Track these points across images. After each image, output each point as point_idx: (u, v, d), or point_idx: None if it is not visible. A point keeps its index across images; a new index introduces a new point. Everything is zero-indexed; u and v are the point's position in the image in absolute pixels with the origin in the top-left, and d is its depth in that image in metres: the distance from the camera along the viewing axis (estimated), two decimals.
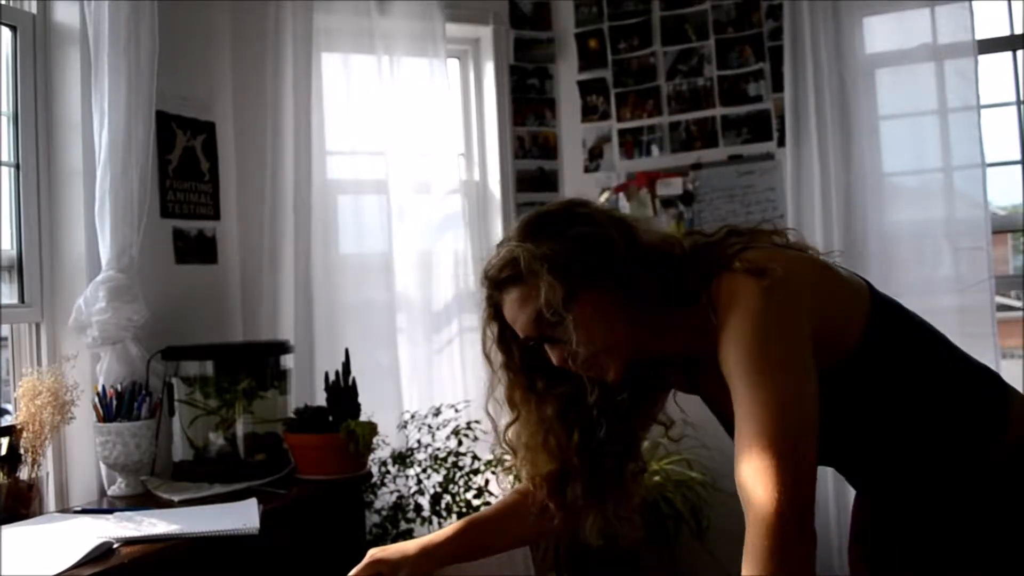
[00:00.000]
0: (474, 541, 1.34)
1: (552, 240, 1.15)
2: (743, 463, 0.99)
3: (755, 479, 0.96)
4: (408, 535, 2.51)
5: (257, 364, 2.31)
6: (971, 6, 2.75)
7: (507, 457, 1.33)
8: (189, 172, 2.54)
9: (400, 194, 2.96)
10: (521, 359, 1.24)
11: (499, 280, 1.18)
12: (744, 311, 1.06)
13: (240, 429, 2.23)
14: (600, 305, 1.13)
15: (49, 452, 2.10)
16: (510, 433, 1.29)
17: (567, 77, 3.38)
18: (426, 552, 1.29)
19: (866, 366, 1.13)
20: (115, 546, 1.61)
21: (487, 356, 1.26)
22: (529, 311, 1.15)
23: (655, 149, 3.26)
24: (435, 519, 2.58)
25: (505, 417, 1.29)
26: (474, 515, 1.40)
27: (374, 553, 1.30)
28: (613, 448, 1.26)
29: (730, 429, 1.26)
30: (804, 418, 1.00)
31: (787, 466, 0.95)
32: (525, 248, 1.15)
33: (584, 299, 1.13)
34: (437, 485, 2.64)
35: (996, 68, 2.86)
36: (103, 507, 2.00)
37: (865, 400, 1.13)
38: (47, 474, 2.13)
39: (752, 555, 0.95)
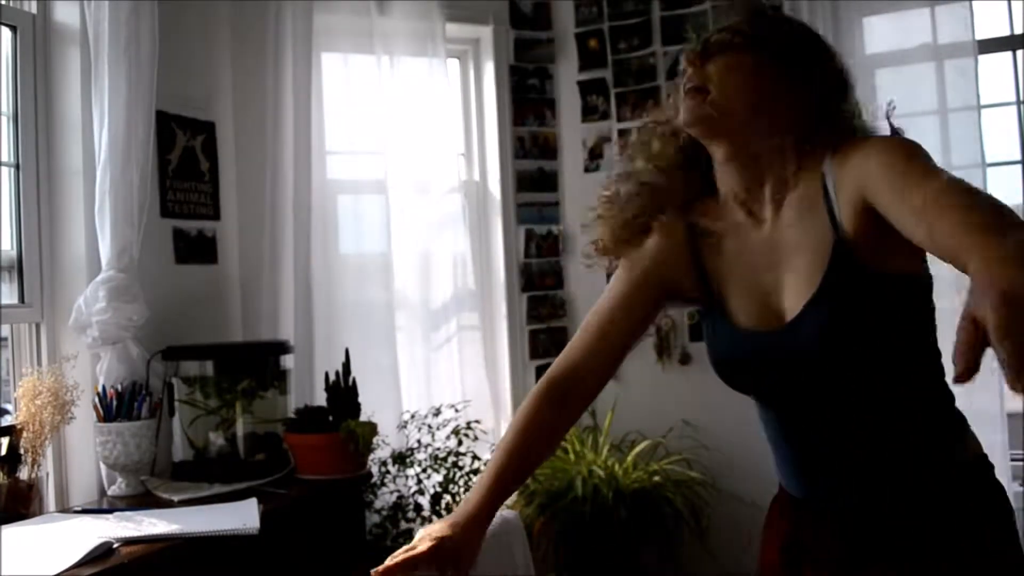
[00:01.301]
0: (506, 488, 1.25)
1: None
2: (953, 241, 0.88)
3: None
4: (408, 535, 2.51)
5: (257, 364, 2.32)
6: (971, 6, 2.74)
7: None
8: (189, 172, 2.54)
9: (400, 194, 2.97)
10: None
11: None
12: (890, 143, 1.08)
13: (240, 429, 2.24)
14: (772, 78, 1.15)
15: (49, 452, 2.10)
16: (616, 190, 1.29)
17: (567, 77, 3.38)
18: (471, 522, 1.17)
19: (920, 294, 1.19)
20: (115, 546, 1.61)
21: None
22: (720, 34, 1.18)
23: None
24: (435, 519, 2.58)
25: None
26: (498, 462, 1.25)
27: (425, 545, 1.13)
28: (613, 334, 1.26)
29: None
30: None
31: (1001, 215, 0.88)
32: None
33: (768, 62, 1.14)
34: (437, 485, 2.64)
35: (996, 68, 2.86)
36: (103, 507, 2.00)
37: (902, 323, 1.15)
38: (47, 474, 2.12)
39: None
